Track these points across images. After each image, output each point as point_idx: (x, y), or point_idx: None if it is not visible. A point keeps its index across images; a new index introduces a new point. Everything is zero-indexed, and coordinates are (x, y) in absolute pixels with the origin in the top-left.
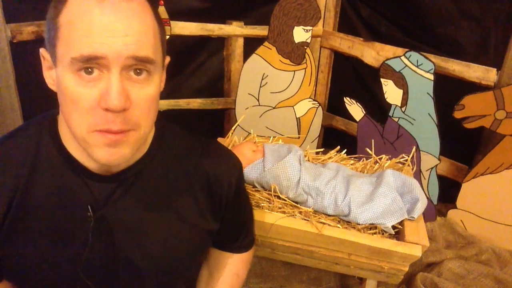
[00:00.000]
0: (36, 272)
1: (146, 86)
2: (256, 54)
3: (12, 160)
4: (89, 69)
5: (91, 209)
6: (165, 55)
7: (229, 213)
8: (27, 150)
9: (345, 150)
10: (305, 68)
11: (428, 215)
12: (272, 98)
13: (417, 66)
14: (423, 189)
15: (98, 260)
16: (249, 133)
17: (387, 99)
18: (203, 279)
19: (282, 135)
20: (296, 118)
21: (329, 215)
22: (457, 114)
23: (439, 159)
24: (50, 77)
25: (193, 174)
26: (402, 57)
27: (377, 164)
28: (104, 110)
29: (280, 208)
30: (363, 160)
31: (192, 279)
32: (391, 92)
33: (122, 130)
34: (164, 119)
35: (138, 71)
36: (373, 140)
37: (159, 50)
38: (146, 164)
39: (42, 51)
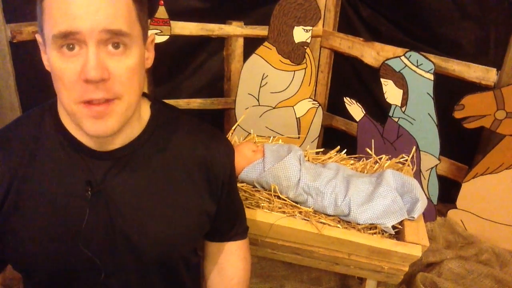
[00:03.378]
0: (37, 247)
1: (125, 58)
2: (256, 54)
3: (14, 142)
4: (71, 46)
5: (89, 185)
6: (146, 31)
7: (225, 197)
8: (29, 131)
9: (345, 150)
10: (305, 68)
11: (428, 215)
12: (272, 98)
13: (417, 66)
14: (423, 189)
15: (97, 235)
16: (249, 133)
17: (387, 99)
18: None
19: (282, 135)
20: (296, 118)
21: (329, 215)
22: (457, 114)
23: (439, 159)
24: (46, 60)
25: (189, 155)
26: (402, 57)
27: (377, 164)
28: (85, 82)
29: (280, 208)
30: (363, 160)
31: (192, 265)
32: (391, 92)
33: (105, 99)
34: (163, 104)
35: (115, 44)
36: (373, 140)
37: (136, 24)
38: (141, 143)
39: (37, 36)
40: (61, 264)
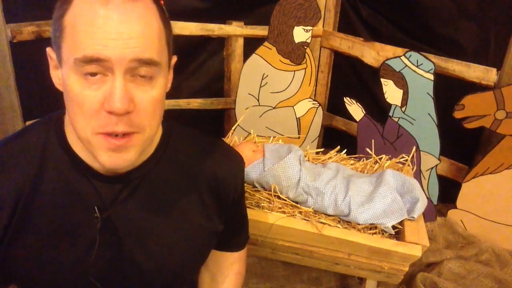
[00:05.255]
0: (43, 273)
1: (150, 88)
2: (256, 54)
3: (18, 160)
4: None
5: (97, 210)
6: (171, 55)
7: (232, 213)
8: (34, 150)
9: (345, 150)
10: (305, 68)
11: (428, 215)
12: (272, 98)
13: (417, 66)
14: (423, 189)
15: (105, 261)
16: (249, 133)
17: (387, 99)
18: (205, 284)
19: (282, 135)
20: (296, 118)
21: (329, 215)
22: (457, 114)
23: (439, 159)
24: (56, 76)
25: (199, 175)
26: (402, 57)
27: (377, 164)
28: (108, 113)
29: (280, 208)
30: (363, 160)
31: (194, 282)
32: (391, 92)
33: (127, 132)
34: (170, 117)
35: (142, 74)
36: (373, 140)
37: (164, 51)
38: (152, 165)
39: (48, 50)
40: None
